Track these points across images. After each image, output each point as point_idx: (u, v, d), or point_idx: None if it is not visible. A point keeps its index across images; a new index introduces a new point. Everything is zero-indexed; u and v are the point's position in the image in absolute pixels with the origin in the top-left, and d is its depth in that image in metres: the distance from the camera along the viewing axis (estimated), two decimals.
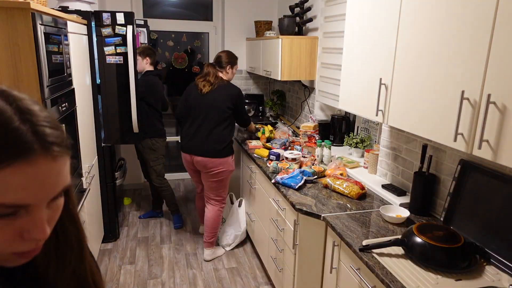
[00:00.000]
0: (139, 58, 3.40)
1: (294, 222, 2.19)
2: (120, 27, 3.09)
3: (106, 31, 3.04)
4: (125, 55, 3.15)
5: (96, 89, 3.09)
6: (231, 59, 3.11)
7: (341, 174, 2.49)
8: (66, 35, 2.29)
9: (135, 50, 3.17)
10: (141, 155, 3.63)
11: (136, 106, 3.27)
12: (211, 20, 4.65)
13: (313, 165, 2.72)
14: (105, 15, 3.02)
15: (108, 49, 3.07)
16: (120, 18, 3.07)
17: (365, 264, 1.59)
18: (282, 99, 4.47)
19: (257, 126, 3.58)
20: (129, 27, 3.11)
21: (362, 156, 2.85)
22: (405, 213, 1.95)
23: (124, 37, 3.11)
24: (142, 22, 3.64)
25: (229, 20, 4.45)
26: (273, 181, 2.51)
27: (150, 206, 4.15)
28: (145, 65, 3.45)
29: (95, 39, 3.04)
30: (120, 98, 3.24)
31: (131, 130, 3.38)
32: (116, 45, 3.10)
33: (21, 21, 1.73)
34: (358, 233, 1.81)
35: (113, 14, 3.04)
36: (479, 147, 1.30)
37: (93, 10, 3.04)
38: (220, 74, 3.07)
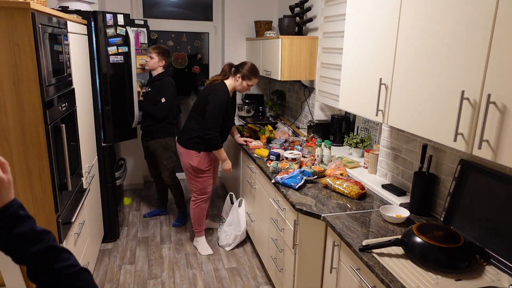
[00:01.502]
0: (155, 56, 3.43)
1: (294, 222, 2.19)
2: (121, 28, 3.16)
3: (110, 31, 3.10)
4: (125, 54, 3.25)
5: (96, 89, 3.10)
6: (247, 71, 3.01)
7: (341, 174, 2.49)
8: (66, 35, 2.29)
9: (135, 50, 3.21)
10: (151, 154, 3.67)
11: (141, 106, 3.47)
12: (211, 20, 4.65)
13: (313, 165, 2.72)
14: (108, 16, 3.07)
15: (111, 49, 3.16)
16: (120, 19, 3.17)
17: (365, 264, 1.59)
18: (282, 99, 4.47)
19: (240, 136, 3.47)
20: (128, 28, 3.20)
21: (362, 156, 2.85)
22: (405, 213, 1.95)
23: (123, 37, 3.20)
24: (142, 22, 3.66)
25: (229, 20, 4.45)
26: (273, 181, 2.51)
27: (153, 205, 4.17)
28: (158, 65, 3.47)
29: (95, 39, 3.06)
30: (120, 96, 3.29)
31: (130, 126, 3.44)
32: (117, 45, 3.17)
33: (21, 21, 1.73)
34: (358, 233, 1.81)
35: (114, 15, 3.11)
36: (479, 147, 1.30)
37: (93, 10, 3.05)
38: (229, 77, 3.08)
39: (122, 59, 3.23)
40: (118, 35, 3.16)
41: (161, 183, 3.84)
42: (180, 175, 4.08)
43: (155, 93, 3.44)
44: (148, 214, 3.95)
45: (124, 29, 3.20)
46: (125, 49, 3.23)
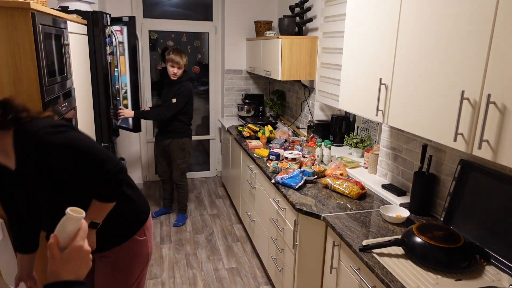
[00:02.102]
0: (183, 67, 3.53)
1: (294, 222, 2.19)
2: (109, 27, 3.20)
3: (108, 31, 3.10)
4: (111, 54, 3.24)
5: (96, 89, 3.10)
6: None
7: (341, 174, 2.49)
8: (66, 35, 2.29)
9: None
10: (167, 154, 3.72)
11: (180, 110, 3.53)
12: (211, 20, 4.65)
13: (313, 165, 2.72)
14: (106, 16, 3.07)
15: (107, 49, 3.13)
16: (107, 19, 3.17)
17: (365, 264, 1.59)
18: (282, 99, 4.47)
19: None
20: (112, 28, 3.22)
21: (362, 156, 2.85)
22: (405, 213, 1.95)
23: (110, 37, 3.22)
24: (127, 19, 3.55)
25: (229, 20, 4.45)
26: (273, 181, 2.51)
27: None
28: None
29: (95, 39, 3.06)
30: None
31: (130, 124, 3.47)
32: (109, 45, 3.19)
33: (21, 21, 1.72)
34: (358, 233, 1.81)
35: (106, 15, 3.12)
36: (479, 147, 1.30)
37: (93, 10, 3.05)
38: None
39: (110, 59, 3.25)
40: (108, 35, 3.18)
41: (171, 183, 3.89)
42: (189, 175, 4.12)
43: (173, 95, 3.50)
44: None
45: (110, 29, 3.21)
46: (112, 49, 3.25)
